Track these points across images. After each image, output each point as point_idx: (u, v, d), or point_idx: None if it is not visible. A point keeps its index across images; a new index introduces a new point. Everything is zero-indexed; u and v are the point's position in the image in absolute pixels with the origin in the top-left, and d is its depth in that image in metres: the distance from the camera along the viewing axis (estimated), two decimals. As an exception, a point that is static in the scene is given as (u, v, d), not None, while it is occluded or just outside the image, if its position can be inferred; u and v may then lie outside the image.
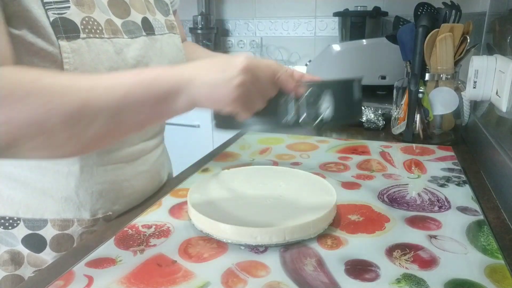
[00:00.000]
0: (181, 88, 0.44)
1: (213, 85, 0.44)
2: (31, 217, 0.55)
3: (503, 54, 0.73)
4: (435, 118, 0.91)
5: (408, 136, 0.92)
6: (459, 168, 0.75)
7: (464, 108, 0.95)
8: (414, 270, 0.44)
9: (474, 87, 0.75)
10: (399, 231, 0.53)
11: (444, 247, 0.49)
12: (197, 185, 0.61)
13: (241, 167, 0.70)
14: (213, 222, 0.50)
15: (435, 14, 0.94)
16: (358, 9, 1.81)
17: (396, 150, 0.86)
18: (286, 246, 0.50)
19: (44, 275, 0.46)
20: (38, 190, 0.55)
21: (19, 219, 0.55)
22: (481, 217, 0.56)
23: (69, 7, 0.47)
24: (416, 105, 0.90)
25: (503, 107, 0.67)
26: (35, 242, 0.56)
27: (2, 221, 0.56)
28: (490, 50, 0.87)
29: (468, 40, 0.85)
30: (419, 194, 0.64)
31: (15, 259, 0.57)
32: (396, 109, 0.96)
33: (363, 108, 1.04)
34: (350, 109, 0.55)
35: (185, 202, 0.60)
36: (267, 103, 0.49)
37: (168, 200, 0.63)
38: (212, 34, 2.09)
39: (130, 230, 0.54)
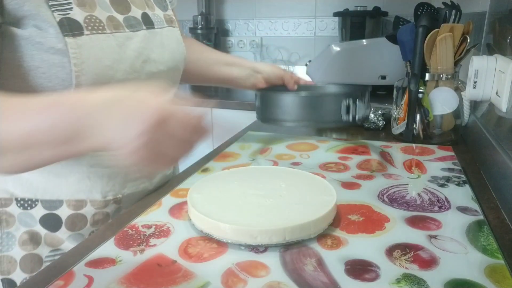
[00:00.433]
0: (83, 136, 0.41)
1: (113, 141, 0.41)
2: (49, 198, 0.60)
3: (503, 54, 0.73)
4: (435, 118, 0.91)
5: (408, 136, 0.92)
6: (459, 168, 0.75)
7: (464, 108, 0.95)
8: (414, 270, 0.44)
9: (474, 87, 0.75)
10: (399, 231, 0.53)
11: (444, 247, 0.49)
12: (197, 185, 0.61)
13: (241, 167, 0.70)
14: (213, 222, 0.50)
15: (435, 14, 0.94)
16: (358, 9, 1.82)
17: (396, 150, 0.86)
18: (286, 246, 0.50)
19: (44, 275, 0.46)
20: (54, 174, 0.60)
21: (37, 200, 0.60)
22: (481, 217, 0.56)
23: (72, 8, 0.51)
24: (416, 105, 0.90)
25: (503, 107, 0.67)
26: (51, 222, 0.61)
27: (22, 202, 0.60)
28: (490, 50, 0.87)
29: (468, 40, 0.85)
30: (419, 194, 0.64)
31: (34, 239, 0.61)
32: (396, 109, 0.96)
33: None
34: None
35: (185, 202, 0.60)
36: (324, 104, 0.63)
37: (168, 200, 0.63)
38: (212, 34, 2.09)
39: (130, 230, 0.54)
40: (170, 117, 0.41)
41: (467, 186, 0.66)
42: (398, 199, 0.62)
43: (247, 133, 1.01)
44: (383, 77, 1.62)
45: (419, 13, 0.95)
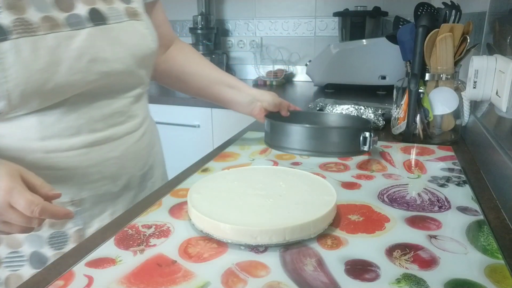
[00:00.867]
0: None
1: None
2: None
3: (503, 54, 0.73)
4: (435, 118, 0.91)
5: (408, 136, 0.92)
6: (459, 168, 0.75)
7: (464, 108, 0.95)
8: (414, 270, 0.44)
9: (474, 87, 0.75)
10: (399, 231, 0.53)
11: (444, 247, 0.49)
12: (197, 185, 0.61)
13: (241, 167, 0.70)
14: (213, 222, 0.50)
15: (435, 14, 0.94)
16: (358, 9, 1.82)
17: (396, 150, 0.86)
18: (286, 246, 0.50)
19: (44, 275, 0.46)
20: None
21: None
22: (481, 217, 0.56)
23: (0, 12, 0.50)
24: (416, 105, 0.90)
25: (503, 107, 0.67)
26: None
27: None
28: (490, 50, 0.87)
29: (468, 40, 0.85)
30: (419, 194, 0.64)
31: None
32: (396, 109, 0.96)
33: (362, 108, 1.05)
34: None
35: (185, 202, 0.60)
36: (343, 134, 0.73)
37: (168, 200, 0.63)
38: (212, 34, 2.09)
39: (130, 230, 0.54)
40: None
41: (467, 186, 0.66)
42: (398, 199, 0.62)
43: (247, 133, 1.01)
44: (383, 77, 1.63)
45: (419, 13, 0.95)
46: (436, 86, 0.90)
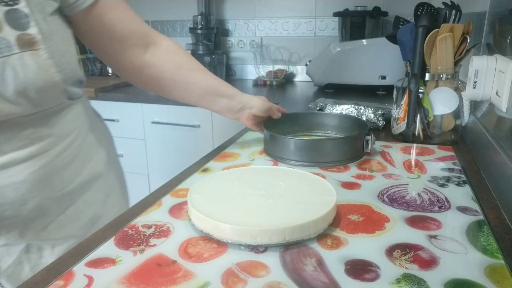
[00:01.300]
0: None
1: None
2: None
3: (503, 54, 0.73)
4: (435, 118, 0.91)
5: (408, 136, 0.92)
6: (459, 168, 0.75)
7: (464, 108, 0.95)
8: (414, 270, 0.44)
9: (474, 87, 0.75)
10: (399, 231, 0.53)
11: (444, 247, 0.49)
12: (197, 185, 0.61)
13: (241, 167, 0.70)
14: (213, 222, 0.50)
15: (435, 14, 0.94)
16: (358, 9, 1.82)
17: (396, 150, 0.86)
18: (286, 246, 0.50)
19: (44, 275, 0.46)
20: None
21: None
22: (481, 217, 0.56)
23: None
24: (416, 105, 0.90)
25: (503, 107, 0.67)
26: None
27: None
28: (490, 50, 0.87)
29: (468, 40, 0.85)
30: (419, 194, 0.64)
31: None
32: (396, 109, 0.96)
33: (362, 108, 1.05)
34: None
35: (185, 202, 0.60)
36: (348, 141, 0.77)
37: (168, 200, 0.63)
38: (212, 34, 2.09)
39: (130, 230, 0.54)
40: None
41: (467, 186, 0.66)
42: (398, 199, 0.62)
43: (247, 133, 1.01)
44: (383, 77, 1.63)
45: (419, 13, 0.95)
46: (436, 86, 0.90)
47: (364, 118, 1.03)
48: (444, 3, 0.96)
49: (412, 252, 0.48)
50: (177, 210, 0.60)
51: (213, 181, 0.63)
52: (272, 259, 0.47)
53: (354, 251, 0.48)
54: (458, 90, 0.90)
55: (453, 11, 0.93)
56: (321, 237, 0.51)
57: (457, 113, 0.91)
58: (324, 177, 0.68)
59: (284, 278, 0.44)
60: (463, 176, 0.71)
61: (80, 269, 0.46)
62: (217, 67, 2.08)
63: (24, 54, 0.52)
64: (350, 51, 1.65)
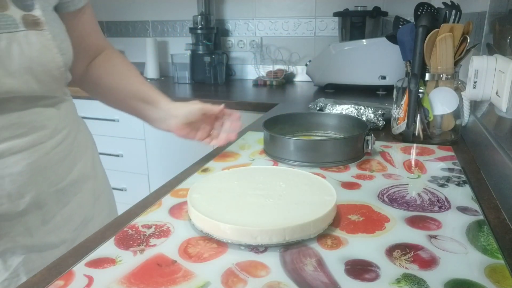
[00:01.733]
0: None
1: None
2: None
3: (503, 54, 0.73)
4: (435, 118, 0.91)
5: (408, 136, 0.92)
6: (459, 168, 0.75)
7: (464, 108, 0.95)
8: (414, 270, 0.44)
9: (474, 87, 0.75)
10: (399, 231, 0.53)
11: (444, 247, 0.49)
12: (197, 185, 0.61)
13: (241, 167, 0.70)
14: (213, 222, 0.50)
15: (435, 14, 0.94)
16: (358, 9, 1.82)
17: (396, 150, 0.86)
18: (286, 246, 0.50)
19: (44, 275, 0.46)
20: None
21: None
22: (481, 217, 0.56)
23: None
24: (416, 105, 0.90)
25: (503, 107, 0.67)
26: None
27: None
28: (490, 50, 0.87)
29: (468, 40, 0.85)
30: (419, 194, 0.64)
31: None
32: (396, 109, 0.96)
33: (362, 108, 1.05)
34: None
35: (185, 202, 0.60)
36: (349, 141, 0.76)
37: (168, 200, 0.63)
38: (212, 34, 2.09)
39: (130, 230, 0.54)
40: None
41: (467, 186, 0.66)
42: (398, 199, 0.62)
43: (247, 133, 1.01)
44: (383, 77, 1.63)
45: (419, 13, 0.95)
46: (436, 86, 0.90)
47: (364, 118, 1.03)
48: (444, 3, 0.96)
49: (412, 252, 0.48)
50: (177, 210, 0.60)
51: (213, 181, 0.63)
52: (272, 259, 0.47)
53: (354, 251, 0.48)
54: (458, 90, 0.90)
55: (453, 11, 0.93)
56: (321, 237, 0.51)
57: (457, 113, 0.91)
58: (324, 177, 0.68)
59: (284, 278, 0.44)
60: (463, 176, 0.71)
61: (80, 269, 0.46)
62: (217, 67, 2.08)
63: (29, 32, 0.54)
64: (350, 51, 1.65)
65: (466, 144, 0.92)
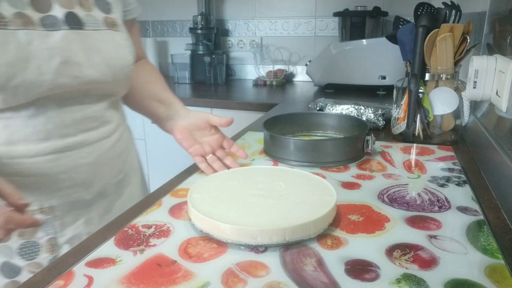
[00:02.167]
0: None
1: None
2: None
3: (503, 54, 0.73)
4: (435, 118, 0.91)
5: (408, 136, 0.92)
6: (459, 168, 0.75)
7: (464, 108, 0.95)
8: (414, 270, 0.44)
9: (474, 87, 0.75)
10: (399, 231, 0.53)
11: (444, 247, 0.49)
12: (197, 185, 0.61)
13: (241, 167, 0.70)
14: (213, 222, 0.50)
15: (435, 14, 0.94)
16: (358, 9, 1.82)
17: (396, 150, 0.86)
18: (286, 246, 0.50)
19: (44, 275, 0.46)
20: None
21: None
22: (481, 217, 0.56)
23: None
24: (416, 105, 0.90)
25: (503, 107, 0.67)
26: None
27: None
28: (490, 50, 0.87)
29: (468, 40, 0.85)
30: (419, 194, 0.64)
31: None
32: (396, 109, 0.96)
33: (362, 108, 1.05)
34: None
35: (185, 202, 0.60)
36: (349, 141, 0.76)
37: (168, 200, 0.63)
38: (212, 34, 2.09)
39: (130, 230, 0.54)
40: None
41: (467, 186, 0.66)
42: (398, 199, 0.62)
43: (247, 133, 1.01)
44: (383, 77, 1.63)
45: (419, 13, 0.95)
46: (436, 86, 0.90)
47: (364, 118, 1.03)
48: (444, 3, 0.96)
49: (412, 252, 0.48)
50: (177, 210, 0.60)
51: (213, 181, 0.63)
52: (272, 259, 0.47)
53: (354, 251, 0.48)
54: (458, 90, 0.90)
55: (453, 11, 0.93)
56: (321, 237, 0.51)
57: (457, 113, 0.91)
58: (324, 177, 0.68)
59: (284, 278, 0.44)
60: (463, 176, 0.71)
61: (80, 269, 0.46)
62: (217, 67, 2.08)
63: (109, 31, 0.64)
64: (350, 51, 1.65)
65: (466, 144, 0.92)
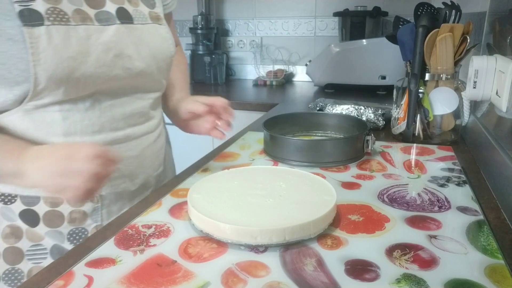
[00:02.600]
0: (19, 176, 0.54)
1: (35, 184, 0.56)
2: (27, 194, 0.62)
3: (503, 54, 0.73)
4: (435, 118, 0.91)
5: (408, 136, 0.92)
6: (459, 168, 0.75)
7: (464, 108, 0.95)
8: (414, 270, 0.44)
9: (474, 87, 0.75)
10: (399, 231, 0.53)
11: (444, 247, 0.49)
12: (197, 185, 0.61)
13: (241, 167, 0.70)
14: (213, 222, 0.50)
15: (435, 14, 0.94)
16: (358, 9, 1.81)
17: (396, 150, 0.86)
18: (286, 246, 0.50)
19: (44, 275, 0.46)
20: None
21: (16, 195, 0.62)
22: (481, 217, 0.56)
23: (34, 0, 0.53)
24: (416, 105, 0.90)
25: (503, 107, 0.67)
26: (30, 217, 0.63)
27: (3, 197, 0.62)
28: (490, 50, 0.87)
29: (468, 40, 0.85)
30: (419, 194, 0.64)
31: (15, 233, 0.64)
32: (396, 109, 0.96)
33: (362, 108, 1.05)
34: None
35: (185, 202, 0.60)
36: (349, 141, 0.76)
37: (168, 200, 0.63)
38: (212, 34, 2.09)
39: (130, 230, 0.54)
40: (78, 154, 0.52)
41: (467, 186, 0.66)
42: (398, 199, 0.62)
43: (247, 133, 1.01)
44: (383, 77, 1.63)
45: (419, 13, 0.95)
46: (436, 86, 0.90)
47: (364, 118, 1.03)
48: (444, 3, 0.96)
49: (412, 252, 0.48)
50: (177, 210, 0.60)
51: (213, 181, 0.63)
52: (272, 259, 0.47)
53: (354, 251, 0.48)
54: (458, 90, 0.90)
55: (453, 11, 0.93)
56: (321, 237, 0.51)
57: (457, 113, 0.91)
58: (324, 177, 0.68)
59: (284, 278, 0.44)
60: (463, 176, 0.71)
61: (80, 269, 0.46)
62: (217, 67, 2.08)
63: (154, 25, 0.68)
64: (350, 51, 1.65)
65: (466, 144, 0.92)
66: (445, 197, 0.62)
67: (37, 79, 0.53)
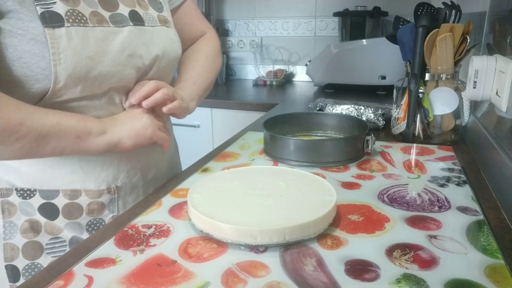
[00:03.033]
0: (105, 130, 0.61)
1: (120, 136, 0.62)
2: (46, 188, 0.64)
3: (503, 54, 0.73)
4: (435, 118, 0.91)
5: (408, 136, 0.92)
6: (459, 168, 0.75)
7: (464, 108, 0.95)
8: (414, 270, 0.44)
9: (474, 87, 0.75)
10: (399, 231, 0.53)
11: (444, 247, 0.49)
12: (197, 185, 0.61)
13: (241, 167, 0.70)
14: (213, 222, 0.50)
15: (435, 14, 0.94)
16: (358, 9, 1.82)
17: (396, 150, 0.86)
18: (286, 246, 0.50)
19: (44, 275, 0.46)
20: (49, 166, 0.63)
21: (35, 190, 0.64)
22: (481, 217, 0.56)
23: (55, 2, 0.55)
24: (416, 105, 0.90)
25: (503, 107, 0.67)
26: (49, 211, 0.64)
27: (21, 192, 0.64)
28: (490, 50, 0.87)
29: (468, 40, 0.85)
30: (419, 194, 0.64)
31: (34, 227, 0.65)
32: (396, 109, 0.96)
33: (362, 108, 1.05)
34: None
35: (185, 202, 0.60)
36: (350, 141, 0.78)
37: (168, 200, 0.63)
38: (212, 34, 2.09)
39: (130, 230, 0.54)
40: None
41: (467, 186, 0.66)
42: (398, 199, 0.62)
43: (247, 133, 1.01)
44: (383, 77, 1.63)
45: (419, 13, 0.95)
46: (436, 86, 0.90)
47: (364, 118, 1.03)
48: (444, 3, 0.96)
49: (412, 252, 0.48)
50: (177, 210, 0.60)
51: (213, 181, 0.63)
52: (272, 259, 0.47)
53: (354, 251, 0.48)
54: (458, 90, 0.90)
55: (453, 11, 0.93)
56: (321, 237, 0.51)
57: (457, 113, 0.91)
58: (324, 177, 0.68)
59: (284, 278, 0.44)
60: (463, 176, 0.71)
61: (80, 269, 0.46)
62: (217, 67, 2.07)
63: (163, 27, 0.71)
64: (350, 51, 1.65)
65: (466, 144, 0.92)
66: (445, 197, 0.62)
67: (57, 78, 0.55)
